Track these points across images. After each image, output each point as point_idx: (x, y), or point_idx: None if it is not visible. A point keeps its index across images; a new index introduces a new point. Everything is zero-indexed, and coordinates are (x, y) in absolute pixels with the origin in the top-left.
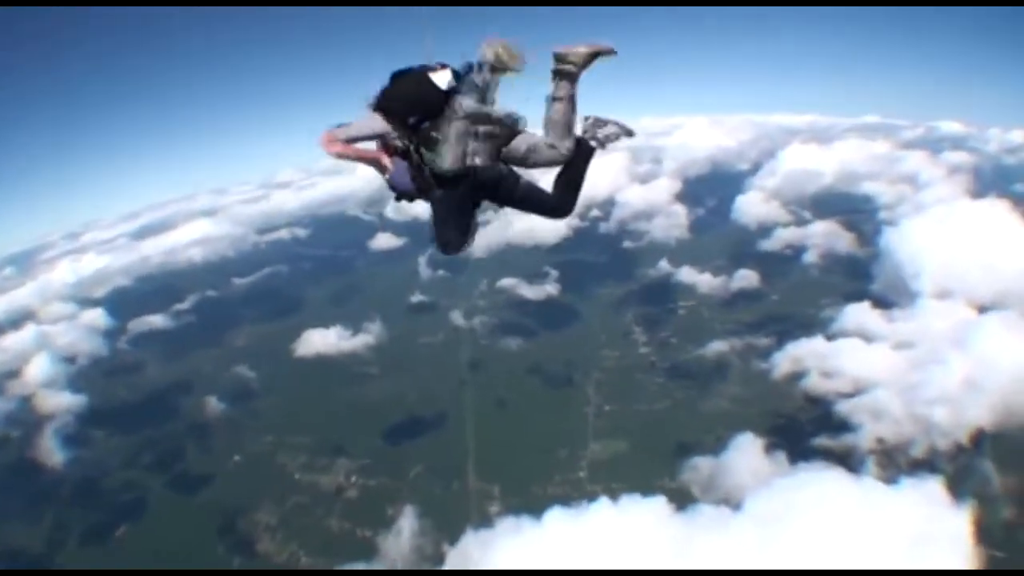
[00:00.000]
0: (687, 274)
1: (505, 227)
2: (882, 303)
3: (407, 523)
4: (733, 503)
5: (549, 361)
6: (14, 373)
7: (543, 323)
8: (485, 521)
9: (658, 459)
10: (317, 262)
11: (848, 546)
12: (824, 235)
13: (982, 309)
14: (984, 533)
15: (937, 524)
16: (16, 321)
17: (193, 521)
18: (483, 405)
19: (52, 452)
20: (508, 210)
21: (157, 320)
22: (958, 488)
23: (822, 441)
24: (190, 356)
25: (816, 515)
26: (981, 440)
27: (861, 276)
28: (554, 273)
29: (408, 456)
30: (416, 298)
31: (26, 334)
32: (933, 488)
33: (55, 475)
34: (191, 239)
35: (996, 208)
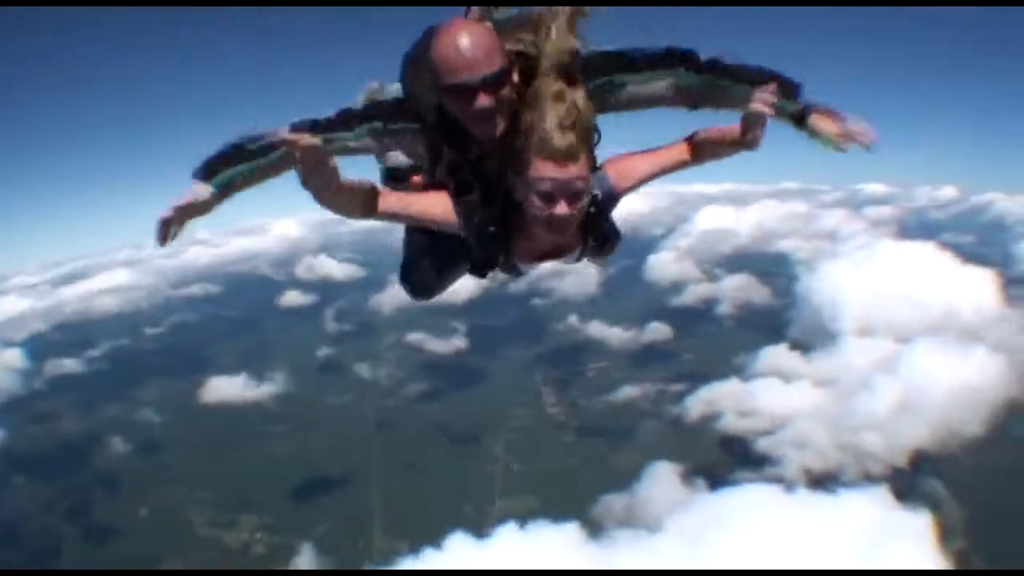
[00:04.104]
0: (597, 328)
1: None
2: (800, 346)
3: (304, 561)
4: (652, 530)
5: (456, 420)
6: None
7: (451, 382)
8: (385, 561)
9: (568, 513)
10: (226, 317)
11: (795, 548)
12: (738, 288)
13: (908, 342)
14: (947, 531)
15: (894, 523)
16: None
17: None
18: (390, 464)
19: None
20: None
21: (71, 364)
22: (906, 497)
23: (743, 475)
24: (101, 403)
25: (751, 523)
26: (922, 460)
27: (777, 324)
28: (462, 328)
29: (314, 514)
30: (323, 352)
31: None
32: (879, 495)
33: None
34: (106, 288)
35: (922, 249)
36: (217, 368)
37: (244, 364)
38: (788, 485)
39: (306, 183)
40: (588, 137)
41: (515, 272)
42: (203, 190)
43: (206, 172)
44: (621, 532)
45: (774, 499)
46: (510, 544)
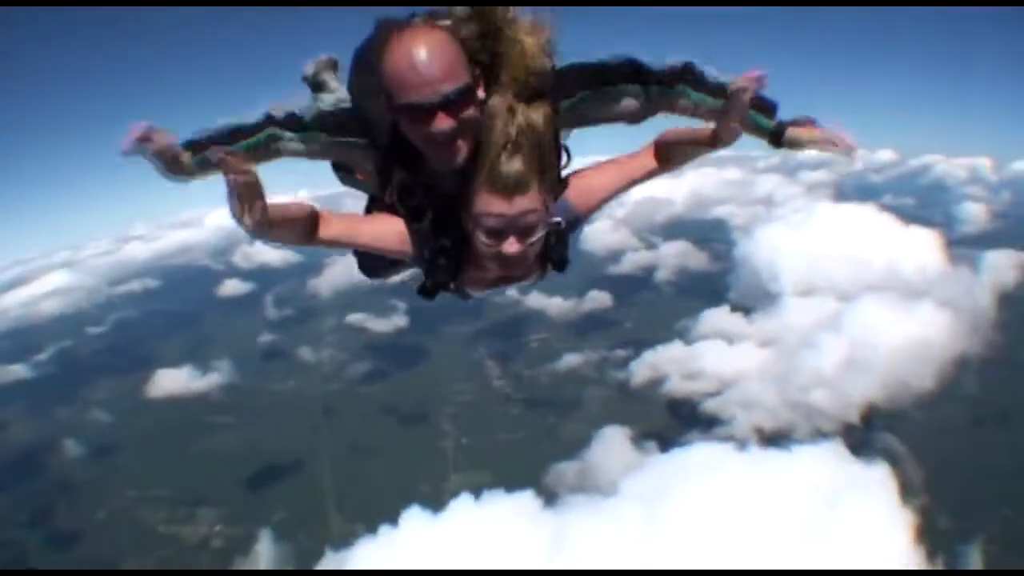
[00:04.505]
0: (536, 300)
1: (351, 267)
2: (741, 308)
3: (264, 548)
4: (607, 494)
5: (403, 399)
6: None
7: (394, 362)
8: (344, 544)
9: (522, 484)
10: (168, 311)
11: (753, 503)
12: (676, 255)
13: (850, 300)
14: (906, 487)
15: (851, 477)
16: None
17: None
18: (340, 447)
19: None
20: None
21: (20, 370)
22: (860, 452)
23: (693, 436)
24: (51, 407)
25: (706, 481)
26: (873, 415)
27: (717, 288)
28: (402, 306)
29: (270, 502)
30: (265, 339)
31: None
32: (833, 450)
33: None
34: (47, 291)
35: (861, 211)
36: (161, 362)
37: (188, 356)
38: (740, 444)
39: (235, 214)
40: (543, 162)
41: (465, 297)
42: (185, 154)
43: (188, 145)
44: (576, 498)
45: (728, 457)
46: (467, 516)
